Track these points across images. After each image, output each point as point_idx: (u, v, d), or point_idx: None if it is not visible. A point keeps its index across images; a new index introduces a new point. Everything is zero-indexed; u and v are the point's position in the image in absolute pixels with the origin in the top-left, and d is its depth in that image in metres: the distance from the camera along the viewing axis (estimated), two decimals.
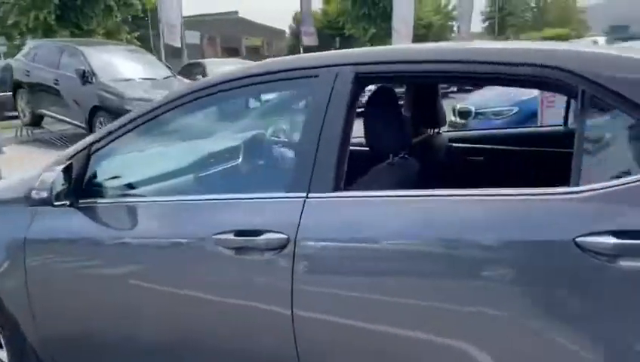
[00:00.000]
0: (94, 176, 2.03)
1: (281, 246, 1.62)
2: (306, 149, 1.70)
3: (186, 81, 9.72)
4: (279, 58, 2.09)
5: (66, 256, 2.08)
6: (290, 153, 1.82)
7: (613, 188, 1.35)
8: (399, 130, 1.98)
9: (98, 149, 2.03)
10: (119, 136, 2.01)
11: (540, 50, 1.62)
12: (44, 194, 1.93)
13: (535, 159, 2.57)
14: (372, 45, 31.26)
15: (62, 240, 2.04)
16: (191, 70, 13.39)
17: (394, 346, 1.57)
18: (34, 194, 2.00)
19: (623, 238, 1.29)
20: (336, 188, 1.64)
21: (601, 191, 1.35)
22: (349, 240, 1.60)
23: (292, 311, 1.63)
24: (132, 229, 1.94)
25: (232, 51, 35.59)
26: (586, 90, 1.43)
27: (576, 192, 1.38)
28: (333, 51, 1.93)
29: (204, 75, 11.53)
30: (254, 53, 36.66)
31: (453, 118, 7.21)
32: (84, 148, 2.04)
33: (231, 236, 1.69)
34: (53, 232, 2.04)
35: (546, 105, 5.64)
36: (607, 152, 1.50)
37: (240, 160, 2.38)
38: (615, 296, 1.32)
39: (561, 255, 1.35)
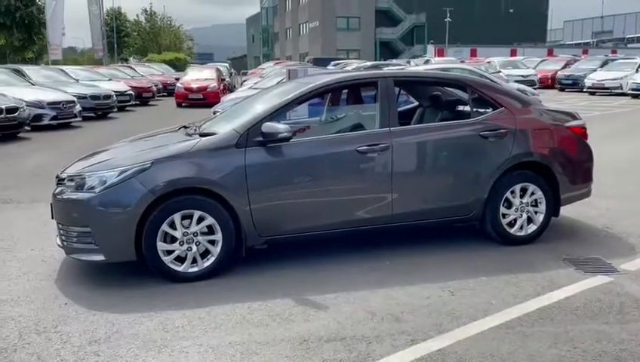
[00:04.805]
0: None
1: (387, 148, 4.10)
2: (385, 109, 4.22)
3: None
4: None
5: (276, 170, 3.90)
6: (378, 112, 4.23)
7: (484, 116, 4.44)
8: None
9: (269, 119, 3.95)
10: (286, 108, 4.06)
11: (460, 75, 4.63)
12: (284, 134, 3.78)
13: None
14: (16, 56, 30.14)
15: (277, 161, 3.89)
16: None
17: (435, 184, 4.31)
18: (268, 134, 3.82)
19: (488, 131, 4.37)
20: (399, 125, 4.25)
21: (479, 118, 4.40)
22: (410, 141, 4.24)
23: (391, 171, 4.14)
24: (316, 151, 4.03)
25: None
26: (470, 90, 4.51)
27: (471, 121, 4.42)
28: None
29: None
30: None
31: None
32: (260, 120, 3.91)
33: (365, 147, 4.05)
34: (267, 158, 3.87)
35: None
36: (475, 107, 4.59)
37: (357, 119, 4.71)
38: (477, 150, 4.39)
39: (474, 139, 4.33)
